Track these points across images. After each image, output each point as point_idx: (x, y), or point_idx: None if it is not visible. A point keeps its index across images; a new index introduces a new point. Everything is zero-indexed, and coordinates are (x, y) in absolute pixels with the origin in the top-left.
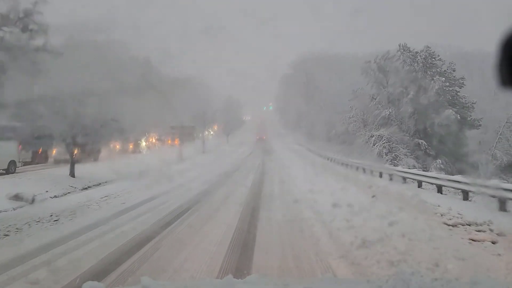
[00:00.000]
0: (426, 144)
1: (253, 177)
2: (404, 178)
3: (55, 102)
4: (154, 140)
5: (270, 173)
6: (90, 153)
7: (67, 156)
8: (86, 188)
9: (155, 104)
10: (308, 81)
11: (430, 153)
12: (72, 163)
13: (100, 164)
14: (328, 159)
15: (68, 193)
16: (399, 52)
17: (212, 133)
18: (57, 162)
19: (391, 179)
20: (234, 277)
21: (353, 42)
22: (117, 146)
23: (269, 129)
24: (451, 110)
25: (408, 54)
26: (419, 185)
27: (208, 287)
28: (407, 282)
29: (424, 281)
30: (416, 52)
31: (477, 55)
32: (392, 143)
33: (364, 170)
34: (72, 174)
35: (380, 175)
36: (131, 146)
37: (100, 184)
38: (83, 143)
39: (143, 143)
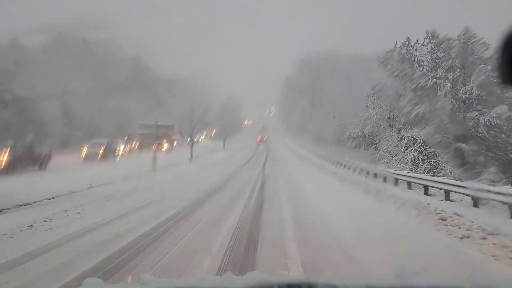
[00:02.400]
0: (469, 149)
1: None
2: None
3: None
4: (134, 145)
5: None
6: (33, 160)
7: None
8: None
9: (120, 101)
10: (313, 82)
11: (470, 160)
12: None
13: (42, 176)
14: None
15: None
16: (427, 40)
17: (208, 136)
18: None
19: None
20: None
21: (360, 42)
22: (83, 152)
23: (272, 133)
24: (506, 107)
25: (439, 39)
26: None
27: (208, 284)
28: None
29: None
30: (449, 39)
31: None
32: (430, 147)
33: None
34: None
35: None
36: (101, 152)
37: (8, 209)
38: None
39: (120, 148)
